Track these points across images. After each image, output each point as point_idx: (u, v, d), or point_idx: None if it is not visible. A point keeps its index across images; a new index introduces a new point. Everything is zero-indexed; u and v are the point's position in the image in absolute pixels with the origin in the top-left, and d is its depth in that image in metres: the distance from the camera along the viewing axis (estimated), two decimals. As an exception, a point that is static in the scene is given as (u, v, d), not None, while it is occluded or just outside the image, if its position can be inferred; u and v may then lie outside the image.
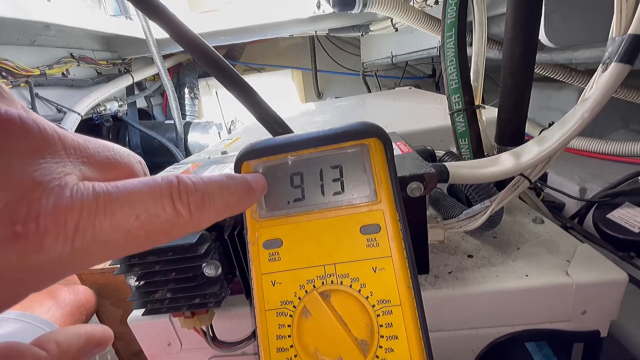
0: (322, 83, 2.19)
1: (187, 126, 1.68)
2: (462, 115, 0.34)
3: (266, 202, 0.18)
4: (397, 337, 0.16)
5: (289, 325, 0.17)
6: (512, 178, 0.31)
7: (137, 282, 0.26)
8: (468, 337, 0.30)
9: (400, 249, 0.17)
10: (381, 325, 0.16)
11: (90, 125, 1.49)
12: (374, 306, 0.16)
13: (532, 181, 0.30)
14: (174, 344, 0.33)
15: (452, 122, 0.35)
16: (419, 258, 0.29)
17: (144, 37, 1.34)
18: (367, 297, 0.16)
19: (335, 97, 1.88)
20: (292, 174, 0.19)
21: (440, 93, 1.06)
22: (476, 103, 0.34)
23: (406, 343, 0.16)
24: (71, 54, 1.28)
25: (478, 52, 0.34)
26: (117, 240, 0.10)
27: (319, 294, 0.17)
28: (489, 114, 0.42)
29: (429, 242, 0.30)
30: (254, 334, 0.27)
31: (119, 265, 0.26)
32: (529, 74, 0.30)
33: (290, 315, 0.17)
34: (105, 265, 0.63)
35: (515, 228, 0.37)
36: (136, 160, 0.14)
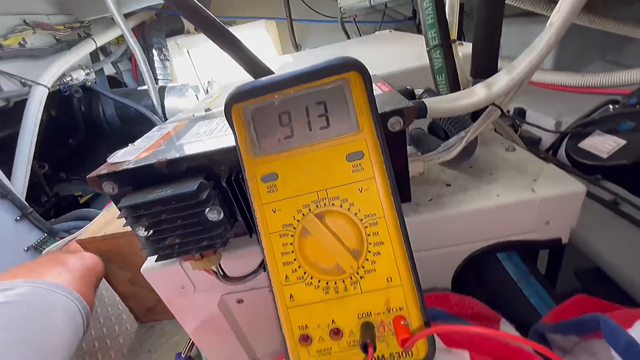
0: (299, 33, 2.08)
1: (162, 91, 1.61)
2: (439, 50, 0.35)
3: (259, 141, 0.20)
4: (382, 243, 0.19)
5: (291, 244, 0.19)
6: (486, 108, 0.33)
7: (146, 232, 0.28)
8: (448, 253, 0.34)
9: (382, 171, 0.19)
10: (369, 235, 0.19)
11: (59, 98, 1.41)
12: (362, 220, 0.19)
13: (504, 109, 0.32)
14: (188, 286, 0.36)
15: (429, 59, 0.36)
16: (401, 188, 0.32)
17: (100, -6, 1.23)
18: (355, 214, 0.19)
19: (314, 48, 1.80)
20: (280, 113, 0.20)
21: (421, 34, 1.03)
22: (452, 38, 0.35)
23: (390, 246, 0.19)
24: (24, 21, 1.18)
25: (452, -16, 0.34)
26: None
27: (315, 215, 0.19)
28: (466, 50, 0.43)
29: (410, 175, 0.33)
30: (259, 267, 0.31)
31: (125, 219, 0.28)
32: (500, 4, 0.31)
33: (292, 235, 0.19)
34: (106, 232, 0.65)
35: (490, 157, 0.40)
36: None
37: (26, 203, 1.05)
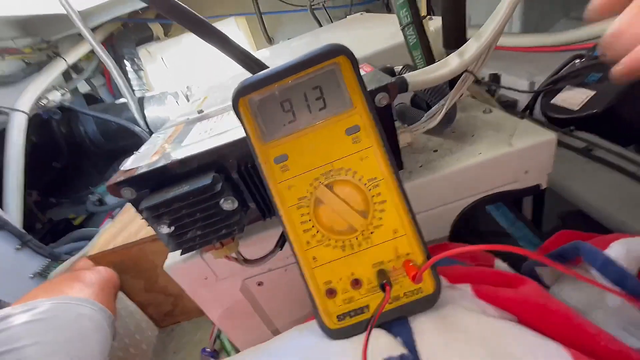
0: (270, 26, 2.07)
1: (141, 101, 1.59)
2: (411, 28, 0.38)
3: (267, 128, 0.23)
4: (385, 201, 0.22)
5: (308, 213, 0.22)
6: (461, 75, 0.36)
7: (169, 229, 0.30)
8: (442, 212, 0.38)
9: (377, 139, 0.22)
10: (373, 196, 0.22)
11: (38, 122, 1.39)
12: (365, 184, 0.22)
13: (477, 74, 0.35)
14: (210, 277, 0.39)
15: (404, 36, 0.39)
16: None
17: (64, 12, 1.20)
18: (359, 180, 0.22)
19: (288, 39, 1.80)
20: (282, 101, 0.22)
21: (392, 13, 1.05)
22: (422, 14, 0.38)
23: (392, 203, 0.22)
24: (-9, 48, 1.15)
25: (416, -37, 0.37)
26: None
27: (325, 186, 0.22)
28: (436, 24, 0.46)
29: (400, 146, 0.36)
30: (275, 247, 0.33)
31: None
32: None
33: (308, 206, 0.22)
34: (115, 244, 0.67)
35: (470, 121, 0.43)
36: None
37: (24, 231, 1.05)
